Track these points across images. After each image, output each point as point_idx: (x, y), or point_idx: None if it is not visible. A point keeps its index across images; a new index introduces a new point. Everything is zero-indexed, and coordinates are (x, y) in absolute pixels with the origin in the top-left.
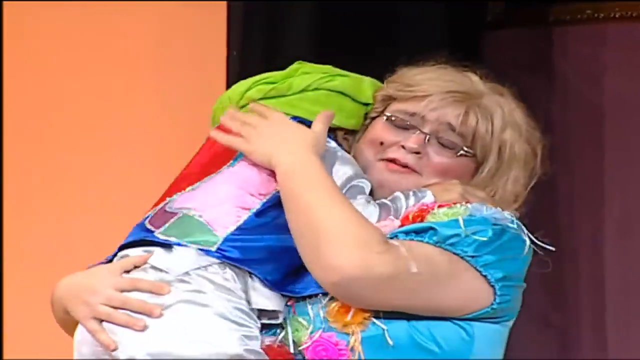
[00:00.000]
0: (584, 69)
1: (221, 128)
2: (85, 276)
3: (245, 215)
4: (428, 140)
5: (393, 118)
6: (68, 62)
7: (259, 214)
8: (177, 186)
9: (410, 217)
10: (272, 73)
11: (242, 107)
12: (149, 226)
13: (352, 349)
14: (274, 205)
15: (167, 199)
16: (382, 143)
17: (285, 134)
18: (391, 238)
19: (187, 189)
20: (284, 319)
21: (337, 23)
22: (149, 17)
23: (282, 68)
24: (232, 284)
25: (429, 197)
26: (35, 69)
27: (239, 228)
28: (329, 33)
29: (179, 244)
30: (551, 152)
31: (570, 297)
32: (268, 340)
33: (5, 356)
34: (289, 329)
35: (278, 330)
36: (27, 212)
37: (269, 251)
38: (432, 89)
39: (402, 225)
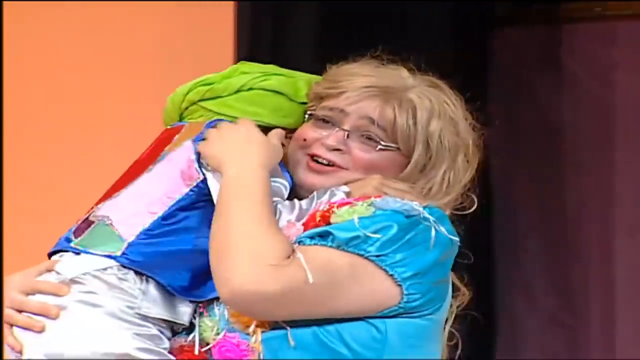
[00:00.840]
0: (593, 67)
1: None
2: (9, 281)
3: (151, 219)
4: (348, 136)
5: (315, 115)
6: (73, 63)
7: (165, 217)
8: (105, 195)
9: (318, 217)
10: (213, 74)
11: (185, 109)
12: (70, 236)
13: (252, 349)
14: (183, 208)
15: (94, 208)
16: (305, 140)
17: (243, 141)
18: (297, 243)
19: (112, 196)
20: (194, 318)
21: (343, 22)
22: (157, 17)
23: (290, 67)
24: (128, 284)
25: (339, 194)
26: (35, 69)
27: (145, 232)
28: (335, 33)
29: (88, 252)
30: (560, 151)
31: (579, 297)
32: (182, 340)
33: (5, 356)
34: (197, 330)
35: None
36: (26, 212)
37: (176, 256)
38: (350, 85)
39: (307, 226)
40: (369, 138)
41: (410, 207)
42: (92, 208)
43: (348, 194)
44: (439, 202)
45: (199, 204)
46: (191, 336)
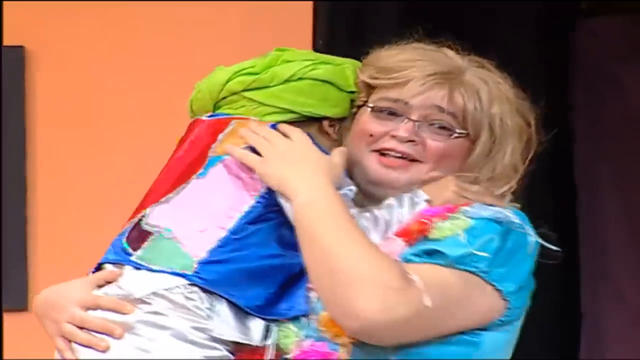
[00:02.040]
0: None
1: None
2: (57, 291)
3: (220, 235)
4: (418, 127)
5: (377, 108)
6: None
7: (235, 232)
8: (151, 197)
9: (415, 231)
10: (252, 61)
11: (223, 98)
12: (126, 246)
13: None
14: (251, 221)
15: (142, 212)
16: (371, 135)
17: (306, 160)
18: (403, 261)
19: (161, 200)
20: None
21: (424, 18)
22: (234, 17)
23: None
24: (195, 303)
25: (421, 203)
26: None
27: (216, 249)
28: (415, 30)
29: (154, 270)
30: None
31: None
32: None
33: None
34: (275, 335)
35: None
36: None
37: (249, 273)
38: (412, 73)
39: (404, 239)
40: (442, 127)
41: (501, 214)
42: (139, 211)
43: (428, 202)
44: (510, 183)
45: (268, 215)
46: (269, 341)
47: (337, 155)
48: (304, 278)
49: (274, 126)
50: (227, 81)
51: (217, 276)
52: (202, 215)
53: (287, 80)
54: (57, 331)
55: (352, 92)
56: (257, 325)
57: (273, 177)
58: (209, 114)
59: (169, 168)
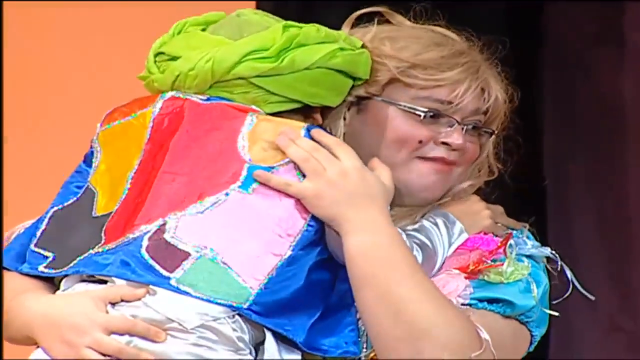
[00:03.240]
0: None
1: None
2: (64, 306)
3: (276, 262)
4: (465, 130)
5: (426, 112)
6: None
7: (290, 260)
8: (159, 198)
9: (469, 270)
10: (261, 40)
11: (223, 81)
12: (151, 262)
13: None
14: (302, 247)
15: (162, 219)
16: (421, 141)
17: (363, 193)
18: (468, 305)
19: (189, 210)
20: None
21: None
22: (176, 18)
23: None
24: (240, 334)
25: (458, 232)
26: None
27: (272, 279)
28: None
29: (204, 299)
30: (622, 130)
31: None
32: None
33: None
34: None
35: None
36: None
37: (296, 301)
38: (458, 75)
39: (466, 277)
40: (475, 127)
41: (542, 252)
42: (136, 215)
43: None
44: (483, 178)
45: (316, 240)
46: None
47: (387, 175)
48: (348, 312)
49: (308, 130)
50: (236, 64)
51: (269, 309)
52: (254, 238)
53: (305, 69)
54: (71, 355)
55: (355, 78)
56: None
57: (326, 211)
58: (204, 97)
59: (178, 161)
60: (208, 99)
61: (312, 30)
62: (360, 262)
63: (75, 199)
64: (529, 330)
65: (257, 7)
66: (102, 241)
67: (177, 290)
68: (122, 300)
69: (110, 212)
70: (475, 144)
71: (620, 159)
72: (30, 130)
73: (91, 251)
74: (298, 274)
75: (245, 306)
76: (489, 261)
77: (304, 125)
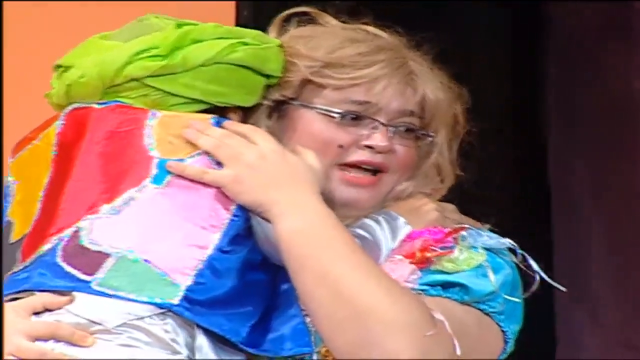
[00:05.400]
0: None
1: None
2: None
3: (203, 255)
4: (393, 132)
5: (345, 114)
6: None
7: (219, 251)
8: (73, 204)
9: (416, 259)
10: (152, 39)
11: (116, 85)
12: (68, 268)
13: None
14: (232, 240)
15: (75, 225)
16: (341, 146)
17: (285, 173)
18: (419, 291)
19: (102, 210)
20: None
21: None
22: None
23: None
24: (173, 336)
25: (402, 227)
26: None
27: (200, 273)
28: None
29: (129, 299)
30: (632, 127)
31: None
32: None
33: (5, 356)
34: None
35: None
36: None
37: (234, 298)
38: (376, 72)
39: (412, 262)
40: (409, 130)
41: (505, 244)
42: (54, 222)
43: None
44: (450, 181)
45: (247, 230)
46: None
47: (312, 158)
48: (293, 309)
49: (218, 122)
50: (125, 65)
51: (203, 306)
52: (174, 232)
53: (201, 66)
54: None
55: (268, 76)
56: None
57: (250, 196)
58: (101, 102)
59: (86, 167)
60: (105, 103)
61: (210, 27)
62: (293, 245)
63: None
64: (498, 324)
65: (237, 8)
66: (19, 260)
67: (99, 293)
68: (45, 310)
69: (25, 234)
70: (409, 148)
71: (630, 157)
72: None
73: (8, 274)
74: (231, 269)
75: (175, 302)
76: (437, 249)
77: (212, 116)
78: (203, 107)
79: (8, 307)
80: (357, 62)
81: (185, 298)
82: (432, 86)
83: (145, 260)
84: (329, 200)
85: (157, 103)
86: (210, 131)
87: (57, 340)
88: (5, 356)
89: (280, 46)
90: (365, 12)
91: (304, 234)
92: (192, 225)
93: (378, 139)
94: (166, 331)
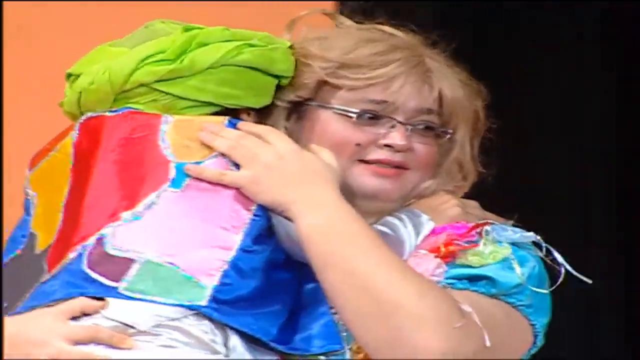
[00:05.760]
0: None
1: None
2: (23, 323)
3: (227, 256)
4: (410, 131)
5: (362, 114)
6: None
7: (243, 251)
8: (95, 212)
9: (442, 251)
10: (158, 44)
11: (125, 91)
12: (95, 275)
13: None
14: (254, 240)
15: (98, 232)
16: (358, 144)
17: (303, 171)
18: (445, 285)
19: (124, 217)
20: None
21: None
22: (254, 17)
23: None
24: (211, 335)
25: (426, 223)
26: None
27: (226, 273)
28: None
29: (158, 302)
30: None
31: None
32: None
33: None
34: None
35: None
36: None
37: (260, 297)
38: (392, 71)
39: (437, 256)
40: (428, 128)
41: (530, 238)
42: (78, 231)
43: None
44: (473, 177)
45: (267, 233)
46: None
47: (329, 156)
48: (321, 307)
49: (232, 124)
50: (133, 71)
51: (231, 306)
52: (197, 234)
53: (209, 68)
54: None
55: (278, 77)
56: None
57: (268, 196)
58: (112, 109)
59: (104, 175)
60: (117, 111)
61: (216, 30)
62: (316, 243)
63: (21, 248)
64: (526, 317)
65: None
66: (46, 271)
67: (127, 297)
68: (83, 315)
69: (50, 244)
70: (429, 146)
71: None
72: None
73: (37, 284)
74: (256, 269)
75: (204, 304)
76: (461, 242)
77: (226, 118)
78: (214, 109)
79: (46, 312)
80: (373, 62)
81: (213, 299)
82: (449, 83)
83: (170, 263)
84: (351, 193)
85: (167, 107)
86: (225, 133)
87: (97, 343)
88: (48, 356)
89: (291, 47)
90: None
91: (326, 230)
92: (214, 226)
93: (396, 137)
94: (205, 332)
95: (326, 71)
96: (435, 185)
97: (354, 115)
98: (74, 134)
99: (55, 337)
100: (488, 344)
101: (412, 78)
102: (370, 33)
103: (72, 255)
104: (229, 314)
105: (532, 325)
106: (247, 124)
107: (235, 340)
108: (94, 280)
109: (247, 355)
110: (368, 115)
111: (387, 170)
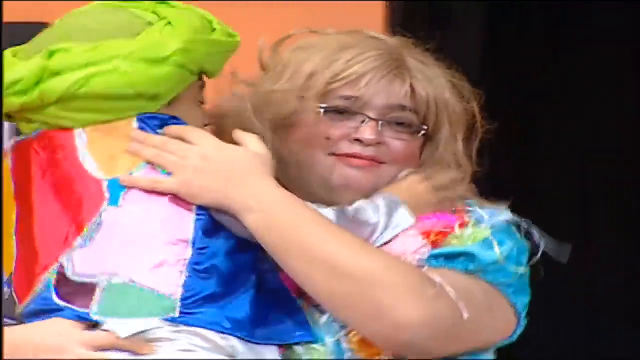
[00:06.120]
0: None
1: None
2: (37, 329)
3: (184, 262)
4: (381, 126)
5: (329, 109)
6: None
7: (197, 254)
8: (47, 244)
9: (432, 238)
10: (17, 72)
11: (12, 116)
12: (66, 304)
13: None
14: (204, 236)
15: (56, 262)
16: (328, 138)
17: (230, 165)
18: (422, 265)
19: (77, 243)
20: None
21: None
22: (302, 17)
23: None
24: (227, 340)
25: (403, 215)
26: None
27: (187, 280)
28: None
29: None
30: None
31: None
32: None
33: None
34: (299, 353)
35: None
36: None
37: (227, 289)
38: (362, 68)
39: (424, 237)
40: (401, 124)
41: (508, 217)
42: (35, 266)
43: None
44: (468, 177)
45: (214, 227)
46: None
47: (255, 144)
48: (281, 297)
49: (141, 120)
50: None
51: (201, 308)
52: (149, 247)
53: (59, 101)
54: None
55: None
56: (273, 352)
57: (206, 198)
58: (34, 131)
59: (44, 200)
60: (35, 132)
61: (79, 52)
62: (268, 237)
63: None
64: (506, 297)
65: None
66: (17, 303)
67: (101, 322)
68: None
69: (12, 273)
70: (404, 141)
71: None
72: None
73: (17, 315)
74: (214, 264)
75: (177, 315)
76: (445, 230)
77: (133, 119)
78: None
79: (61, 320)
80: (345, 68)
81: (184, 306)
82: (426, 81)
83: (132, 282)
84: (325, 186)
85: (61, 125)
86: (150, 141)
87: (118, 349)
88: None
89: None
90: None
91: (274, 224)
92: (163, 234)
93: (366, 132)
94: (222, 337)
95: (301, 88)
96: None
97: (322, 111)
98: (8, 162)
99: (73, 344)
100: (466, 315)
101: (382, 75)
102: (350, 39)
103: (39, 287)
104: (205, 317)
105: (513, 305)
106: (170, 128)
107: (233, 341)
108: (67, 309)
109: (249, 355)
110: (338, 110)
111: (359, 161)
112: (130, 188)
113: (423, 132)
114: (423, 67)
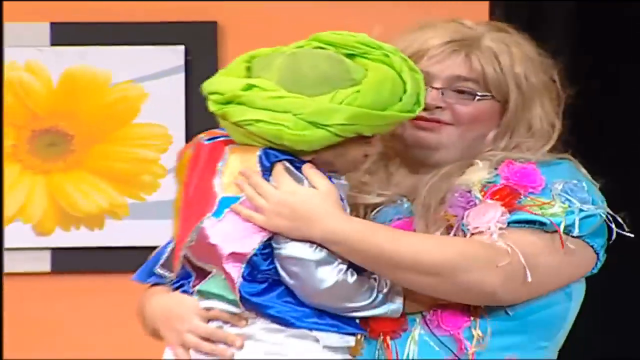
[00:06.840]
0: None
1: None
2: (175, 301)
3: (239, 271)
4: (442, 93)
5: None
6: None
7: (252, 266)
8: (182, 227)
9: (505, 195)
10: (222, 85)
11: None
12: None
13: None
14: (266, 256)
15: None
16: None
17: (302, 211)
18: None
19: (188, 239)
20: None
21: (598, 24)
22: (406, 17)
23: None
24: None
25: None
26: None
27: (244, 287)
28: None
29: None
30: None
31: None
32: None
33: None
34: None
35: None
36: None
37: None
38: (427, 42)
39: (502, 204)
40: (463, 92)
41: (584, 195)
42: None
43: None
44: (550, 140)
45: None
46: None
47: (321, 182)
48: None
49: (266, 154)
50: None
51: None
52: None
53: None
54: (177, 340)
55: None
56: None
57: (291, 235)
58: (210, 137)
59: (184, 198)
60: (212, 139)
61: (262, 95)
62: (355, 259)
63: None
64: (583, 240)
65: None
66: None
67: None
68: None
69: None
70: (466, 105)
71: None
72: None
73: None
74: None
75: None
76: (526, 194)
77: (259, 149)
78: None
79: (190, 297)
80: (411, 42)
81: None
82: (487, 56)
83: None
84: (407, 145)
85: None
86: (251, 179)
87: (223, 322)
88: (184, 334)
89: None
90: None
91: (356, 248)
92: (233, 248)
93: (428, 98)
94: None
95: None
96: (494, 135)
97: None
98: (189, 151)
99: (192, 315)
100: (529, 279)
101: (442, 49)
102: (432, 21)
103: (178, 263)
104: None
105: (591, 246)
106: (275, 169)
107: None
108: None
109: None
110: None
111: (424, 122)
112: (231, 206)
113: (479, 97)
114: (497, 45)
